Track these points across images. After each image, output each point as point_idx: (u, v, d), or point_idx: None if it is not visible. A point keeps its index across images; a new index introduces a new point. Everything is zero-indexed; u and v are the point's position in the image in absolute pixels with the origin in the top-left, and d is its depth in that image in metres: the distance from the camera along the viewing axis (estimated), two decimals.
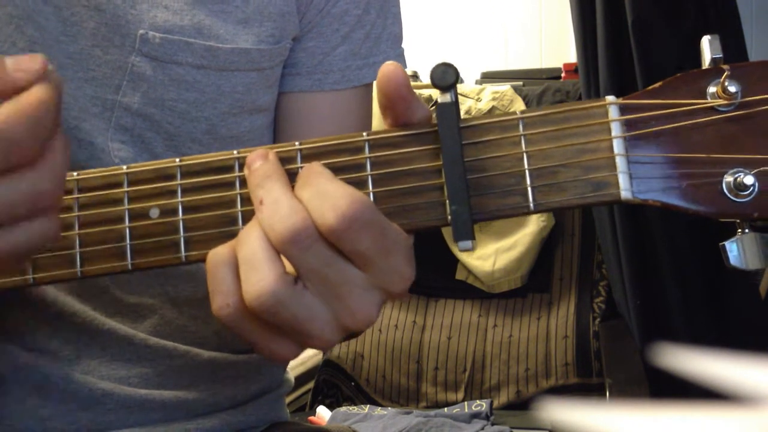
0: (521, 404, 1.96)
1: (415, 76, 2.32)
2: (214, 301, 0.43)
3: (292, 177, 0.44)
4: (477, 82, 2.35)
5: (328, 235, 0.41)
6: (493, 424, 1.75)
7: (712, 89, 0.42)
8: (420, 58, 2.26)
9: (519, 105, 2.10)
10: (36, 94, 0.38)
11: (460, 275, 2.12)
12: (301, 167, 0.45)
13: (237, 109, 0.66)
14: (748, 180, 0.41)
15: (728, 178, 0.41)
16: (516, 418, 1.82)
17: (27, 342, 0.61)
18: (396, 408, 1.90)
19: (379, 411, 1.83)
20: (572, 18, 1.96)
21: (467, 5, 2.66)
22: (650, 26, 1.75)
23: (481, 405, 1.79)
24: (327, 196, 0.41)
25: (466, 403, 1.83)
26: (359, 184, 0.44)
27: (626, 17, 1.77)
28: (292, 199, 0.42)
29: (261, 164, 0.44)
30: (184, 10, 0.63)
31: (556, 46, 2.59)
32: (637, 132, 0.42)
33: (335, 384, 2.08)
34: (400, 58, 0.76)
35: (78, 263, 0.47)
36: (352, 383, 2.08)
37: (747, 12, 2.08)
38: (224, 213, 0.46)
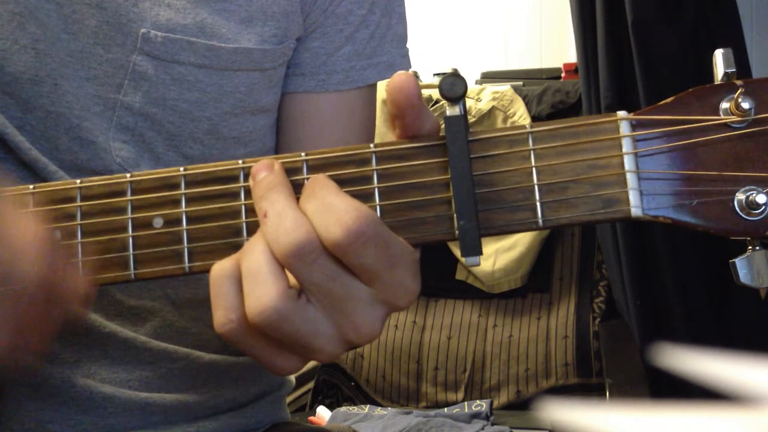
0: (521, 404, 1.96)
1: (415, 77, 2.32)
2: (216, 316, 0.42)
3: (297, 188, 0.43)
4: (477, 82, 2.35)
5: (333, 249, 0.40)
6: (493, 424, 1.75)
7: (725, 105, 0.41)
8: (420, 58, 2.25)
9: (519, 105, 2.09)
10: None
11: (460, 275, 2.12)
12: (307, 178, 0.44)
13: (239, 109, 0.65)
14: (761, 198, 0.40)
15: (740, 196, 0.41)
16: (516, 418, 1.83)
17: None
18: (396, 408, 1.90)
19: (379, 411, 1.83)
20: (572, 18, 1.96)
21: (467, 5, 2.66)
22: (650, 26, 1.75)
23: (481, 405, 1.79)
24: (332, 209, 0.40)
25: (466, 403, 1.83)
26: (366, 197, 0.43)
27: (626, 17, 1.77)
28: (297, 212, 0.41)
29: (266, 175, 0.43)
30: (187, 9, 0.62)
31: (556, 46, 2.59)
32: (649, 148, 0.42)
33: (335, 384, 2.08)
34: (404, 58, 0.75)
35: (80, 273, 0.46)
36: (352, 383, 2.08)
37: (747, 12, 2.08)
38: (228, 224, 0.45)
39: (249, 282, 0.41)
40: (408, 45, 0.77)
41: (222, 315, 0.42)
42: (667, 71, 1.73)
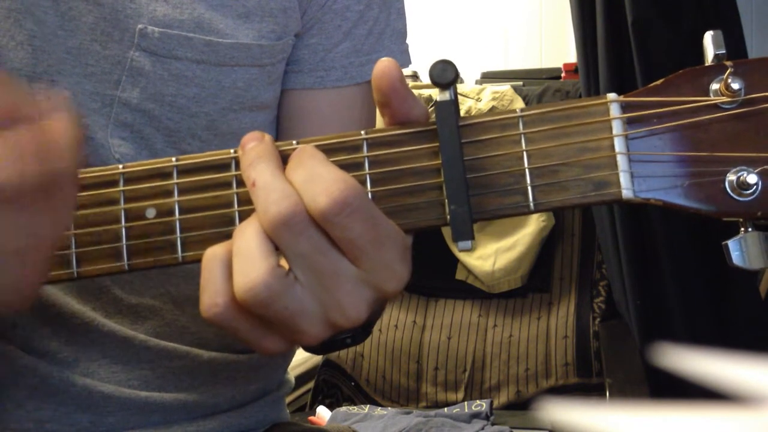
0: (521, 404, 1.96)
1: (415, 76, 2.32)
2: (203, 299, 0.42)
3: None
4: (477, 82, 2.35)
5: (320, 219, 0.40)
6: (493, 424, 1.74)
7: (714, 86, 0.41)
8: (420, 58, 2.26)
9: (519, 105, 2.09)
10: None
11: (460, 275, 2.12)
12: (295, 149, 0.44)
13: (237, 105, 0.65)
14: (752, 179, 0.40)
15: (731, 177, 0.41)
16: (516, 418, 1.82)
17: (26, 344, 0.61)
18: (396, 408, 1.90)
19: (379, 411, 1.83)
20: (572, 18, 1.96)
21: (467, 5, 2.66)
22: (650, 26, 1.75)
23: (481, 405, 1.79)
24: (319, 179, 0.40)
25: (466, 403, 1.83)
26: None
27: (626, 17, 1.77)
28: (284, 183, 0.41)
29: (255, 144, 0.43)
30: (184, 4, 0.62)
31: (556, 46, 2.59)
32: (639, 130, 0.42)
33: (335, 384, 2.08)
34: (404, 54, 0.75)
35: (74, 264, 0.46)
36: (352, 383, 2.08)
37: (747, 12, 2.08)
38: (221, 213, 0.45)
39: (239, 260, 0.41)
40: (408, 42, 0.76)
41: (209, 298, 0.42)
42: (667, 71, 1.73)
